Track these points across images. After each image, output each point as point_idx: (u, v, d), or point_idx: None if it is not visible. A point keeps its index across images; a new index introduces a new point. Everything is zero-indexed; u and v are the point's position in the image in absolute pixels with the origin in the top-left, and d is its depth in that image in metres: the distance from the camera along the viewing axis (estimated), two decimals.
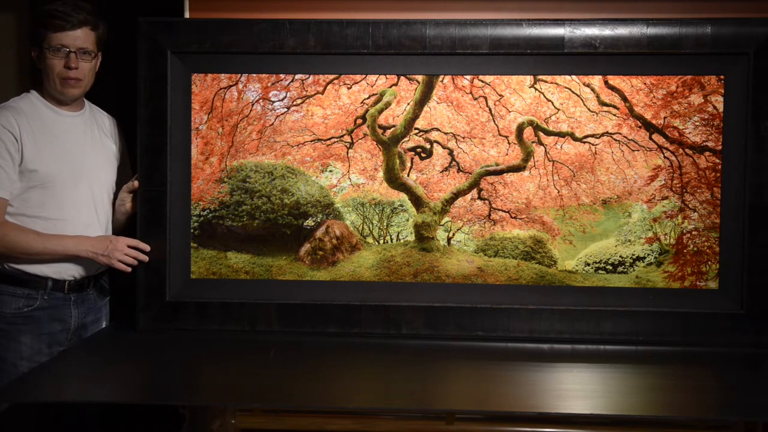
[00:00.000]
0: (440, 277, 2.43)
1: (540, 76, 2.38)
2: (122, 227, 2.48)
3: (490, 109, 2.40)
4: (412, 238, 2.45)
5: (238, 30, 2.37)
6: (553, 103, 2.39)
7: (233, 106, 2.44)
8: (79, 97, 2.38)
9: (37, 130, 2.30)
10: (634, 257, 2.41)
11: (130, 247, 2.35)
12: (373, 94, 2.42)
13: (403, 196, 2.45)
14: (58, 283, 2.34)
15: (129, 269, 2.36)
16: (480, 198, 2.44)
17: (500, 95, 2.39)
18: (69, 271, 2.36)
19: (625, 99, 2.37)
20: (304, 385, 2.00)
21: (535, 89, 2.38)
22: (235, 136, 2.45)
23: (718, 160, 2.35)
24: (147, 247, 2.38)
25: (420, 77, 2.40)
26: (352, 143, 2.45)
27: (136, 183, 2.40)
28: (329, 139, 2.45)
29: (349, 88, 2.42)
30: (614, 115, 2.37)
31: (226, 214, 2.46)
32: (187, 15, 2.65)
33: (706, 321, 2.34)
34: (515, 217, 2.44)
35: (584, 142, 2.40)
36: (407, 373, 2.10)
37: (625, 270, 2.41)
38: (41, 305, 2.33)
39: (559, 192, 2.42)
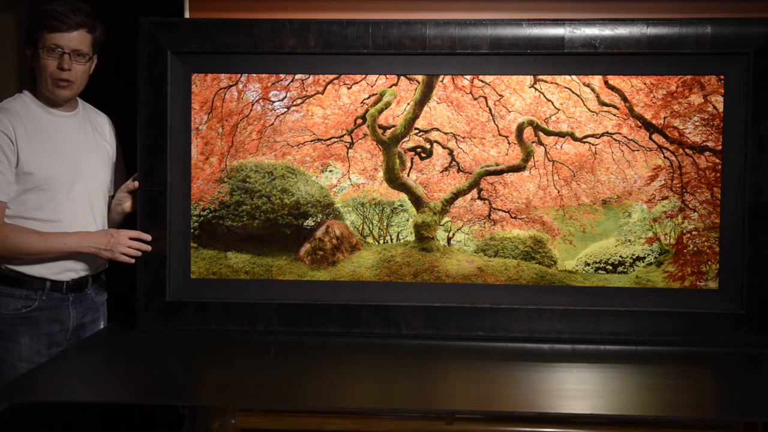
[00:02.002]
0: (440, 277, 2.43)
1: (540, 76, 2.37)
2: (117, 226, 2.47)
3: (490, 109, 2.40)
4: (412, 238, 2.45)
5: (238, 30, 2.37)
6: (553, 103, 2.38)
7: (233, 106, 2.44)
8: (70, 99, 2.36)
9: (32, 132, 2.28)
10: (634, 257, 2.41)
11: (131, 238, 2.36)
12: (373, 94, 2.42)
13: (403, 196, 2.45)
14: (57, 283, 2.34)
15: (133, 261, 2.37)
16: (480, 198, 2.44)
17: (500, 95, 2.39)
18: (68, 273, 2.35)
19: (625, 99, 2.37)
20: (304, 385, 2.00)
21: (535, 89, 2.38)
22: (235, 136, 2.44)
23: (718, 160, 2.35)
24: (148, 237, 2.38)
25: (420, 77, 2.40)
26: (352, 143, 2.44)
27: (135, 183, 2.40)
28: (329, 139, 2.44)
29: (349, 88, 2.42)
30: (614, 115, 2.37)
31: (226, 214, 2.46)
32: (187, 15, 2.65)
33: (706, 321, 2.34)
34: (515, 217, 2.44)
35: (584, 142, 2.40)
36: (407, 373, 2.10)
37: (625, 270, 2.41)
38: (40, 306, 2.32)
39: (559, 192, 2.42)
